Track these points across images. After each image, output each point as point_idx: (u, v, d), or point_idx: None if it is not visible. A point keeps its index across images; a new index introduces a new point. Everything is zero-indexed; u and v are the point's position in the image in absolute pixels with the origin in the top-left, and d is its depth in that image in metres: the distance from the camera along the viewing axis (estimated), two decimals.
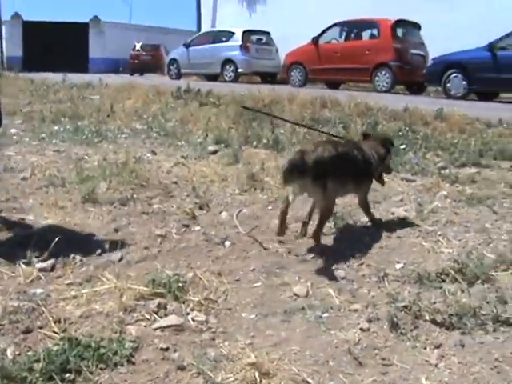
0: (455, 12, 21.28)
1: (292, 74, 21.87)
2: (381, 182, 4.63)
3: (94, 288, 3.21)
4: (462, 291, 3.14)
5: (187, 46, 26.32)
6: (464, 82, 16.64)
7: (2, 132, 6.63)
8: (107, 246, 3.80)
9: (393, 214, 4.57)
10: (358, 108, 10.35)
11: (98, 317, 2.89)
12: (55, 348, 2.49)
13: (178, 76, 26.13)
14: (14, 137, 7.61)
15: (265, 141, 7.17)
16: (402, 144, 7.20)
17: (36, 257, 3.58)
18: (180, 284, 3.20)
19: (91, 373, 2.40)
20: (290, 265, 3.59)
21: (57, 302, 3.07)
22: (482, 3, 21.05)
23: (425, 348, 2.67)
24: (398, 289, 3.25)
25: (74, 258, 3.65)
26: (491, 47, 16.25)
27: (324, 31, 21.34)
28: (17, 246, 3.79)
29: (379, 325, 2.85)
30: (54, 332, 2.71)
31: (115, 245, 3.83)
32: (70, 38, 39.71)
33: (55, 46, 38.06)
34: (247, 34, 24.47)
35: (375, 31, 20.40)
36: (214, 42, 25.23)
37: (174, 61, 27.01)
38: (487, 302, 2.98)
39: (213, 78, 25.07)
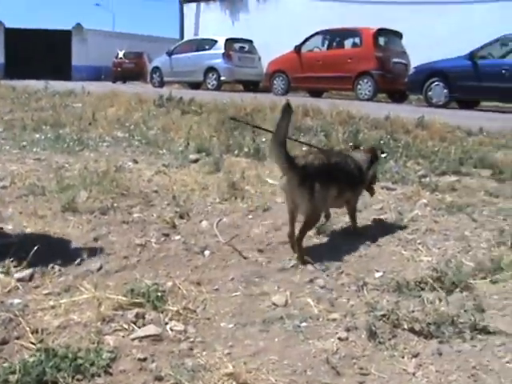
0: (436, 21, 21.49)
1: (274, 82, 21.97)
2: (371, 191, 4.67)
3: (72, 298, 3.18)
4: (440, 300, 3.14)
5: (170, 54, 26.38)
6: (445, 91, 16.81)
7: None
8: (86, 256, 3.78)
9: (373, 222, 4.59)
10: (339, 116, 10.39)
11: (75, 327, 2.87)
12: (31, 359, 2.47)
13: (161, 84, 26.15)
14: None
15: (246, 149, 7.18)
16: (383, 153, 7.22)
17: (14, 266, 3.55)
18: (159, 293, 3.18)
19: None
20: (270, 274, 3.59)
21: (34, 312, 3.04)
22: (462, 13, 21.28)
23: (403, 357, 2.67)
24: (376, 298, 3.26)
25: (52, 267, 3.62)
26: (472, 56, 16.43)
27: (306, 39, 21.47)
28: None
29: (357, 334, 2.85)
30: (31, 343, 2.68)
31: (94, 254, 3.82)
32: (53, 45, 39.63)
33: (38, 54, 37.98)
34: (230, 42, 24.57)
35: (357, 40, 20.55)
36: (196, 50, 25.29)
37: (156, 69, 27.05)
38: (465, 311, 2.99)
39: (196, 86, 25.10)
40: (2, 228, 4.31)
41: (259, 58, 25.31)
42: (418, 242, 4.14)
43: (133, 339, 2.77)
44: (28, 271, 3.52)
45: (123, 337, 2.80)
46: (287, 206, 4.02)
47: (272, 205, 4.88)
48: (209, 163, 6.37)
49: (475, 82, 16.19)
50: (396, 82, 19.01)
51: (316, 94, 21.21)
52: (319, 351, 2.69)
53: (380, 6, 23.74)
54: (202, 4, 32.12)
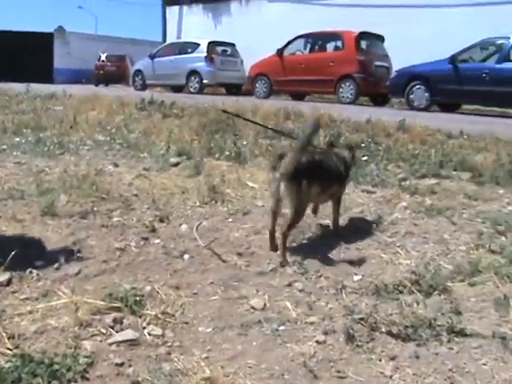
0: (417, 25, 21.57)
1: (257, 85, 21.97)
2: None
3: (50, 303, 3.17)
4: (418, 303, 3.17)
5: (152, 57, 26.32)
6: (427, 94, 16.89)
7: None
8: (65, 260, 3.76)
9: (353, 226, 4.60)
10: (321, 119, 10.39)
11: (53, 332, 2.85)
12: (7, 365, 2.45)
13: (143, 87, 26.09)
14: None
15: (227, 153, 7.17)
16: (363, 156, 7.26)
17: None
18: (137, 298, 3.17)
19: None
20: (248, 277, 3.59)
21: (11, 317, 3.02)
22: (442, 18, 21.37)
23: (380, 360, 2.68)
24: (355, 301, 3.27)
25: (30, 272, 3.60)
26: (453, 59, 16.53)
27: (289, 43, 21.50)
28: None
29: (335, 337, 2.86)
30: (8, 348, 2.66)
31: (73, 258, 3.80)
32: (35, 48, 39.33)
33: (19, 56, 37.72)
34: (212, 45, 24.55)
35: (339, 43, 20.60)
36: (179, 54, 25.24)
37: (138, 72, 26.97)
38: (442, 313, 3.01)
39: (178, 89, 25.03)
40: None
41: (242, 62, 25.29)
42: (398, 245, 4.17)
43: (110, 344, 2.76)
44: (6, 276, 3.49)
45: (101, 341, 2.79)
46: (272, 202, 4.07)
47: (252, 208, 4.89)
48: (189, 167, 6.36)
49: (456, 85, 16.28)
50: (378, 85, 19.05)
51: (298, 97, 21.23)
52: (297, 355, 2.70)
53: (362, 9, 23.80)
54: (185, 7, 32.07)
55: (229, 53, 25.56)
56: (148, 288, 3.39)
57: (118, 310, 3.07)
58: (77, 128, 9.38)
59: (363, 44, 20.44)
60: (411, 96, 17.28)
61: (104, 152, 7.56)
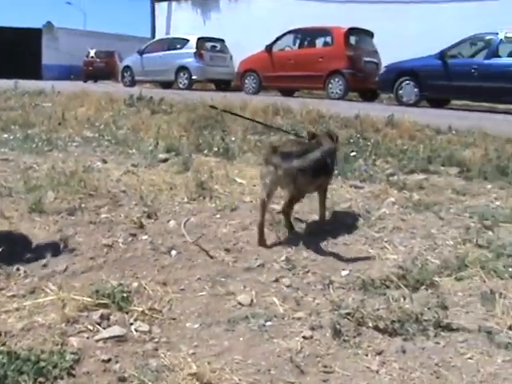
0: (406, 21, 21.58)
1: (246, 81, 21.93)
2: None
3: (37, 300, 3.17)
4: (405, 298, 3.17)
5: (141, 53, 26.18)
6: (416, 89, 16.89)
7: None
8: (52, 257, 3.76)
9: (340, 221, 4.60)
10: (309, 115, 10.41)
11: (39, 329, 2.85)
12: None
13: (132, 83, 25.97)
14: None
15: (215, 149, 7.16)
16: (352, 151, 7.26)
17: None
18: (124, 294, 3.18)
19: None
20: (236, 273, 3.60)
21: None
22: (432, 13, 21.40)
23: (366, 355, 2.70)
24: (342, 296, 3.28)
25: (18, 269, 3.60)
26: (442, 55, 16.54)
27: (278, 39, 21.44)
28: None
29: (322, 332, 2.87)
30: None
31: (61, 255, 3.81)
32: (23, 43, 39.03)
33: (7, 52, 37.39)
34: (201, 41, 24.46)
35: (328, 39, 20.57)
36: (168, 49, 25.13)
37: (127, 68, 26.85)
38: (429, 308, 3.02)
39: (167, 85, 24.97)
40: None
41: (231, 57, 25.23)
42: (385, 240, 4.18)
43: (97, 340, 2.77)
44: None
45: (87, 338, 2.79)
46: (264, 195, 4.13)
47: (240, 204, 4.88)
48: (178, 163, 6.35)
49: (445, 81, 16.30)
50: (367, 80, 19.05)
51: (287, 93, 21.20)
52: (283, 350, 2.71)
53: (351, 5, 23.78)
54: (174, 3, 31.95)
55: (218, 49, 25.49)
56: (135, 284, 3.40)
57: (105, 306, 3.08)
58: (65, 124, 9.35)
59: (352, 40, 20.44)
60: (400, 91, 17.28)
61: (92, 148, 7.54)
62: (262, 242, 4.04)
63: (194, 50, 23.91)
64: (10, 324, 2.92)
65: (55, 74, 35.30)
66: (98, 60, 36.56)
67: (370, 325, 2.91)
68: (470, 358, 2.64)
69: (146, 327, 2.91)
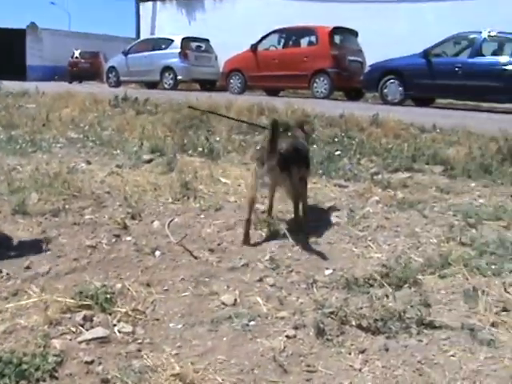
0: (391, 20, 21.66)
1: (231, 81, 21.93)
2: None
3: (19, 302, 3.16)
4: (388, 296, 3.18)
5: (126, 53, 26.13)
6: (400, 88, 16.95)
7: None
8: (36, 259, 3.75)
9: (324, 220, 4.61)
10: (294, 115, 10.39)
11: (22, 331, 2.84)
12: None
13: (117, 84, 25.90)
14: None
15: (200, 149, 7.16)
16: (337, 150, 7.28)
17: None
18: (108, 295, 3.17)
19: None
20: (219, 273, 3.59)
21: None
22: (417, 12, 21.50)
23: (350, 353, 2.70)
24: (326, 295, 3.28)
25: (0, 271, 3.59)
26: (426, 54, 16.60)
27: (262, 38, 21.44)
28: None
29: (305, 331, 2.87)
30: None
31: (44, 257, 3.79)
32: (6, 44, 38.86)
33: None
34: (186, 41, 24.44)
35: (313, 38, 20.60)
36: (153, 50, 25.10)
37: (112, 68, 26.78)
38: (412, 306, 3.03)
39: (152, 85, 24.94)
40: None
41: (216, 57, 25.21)
42: (369, 238, 4.18)
43: (80, 342, 2.76)
44: None
45: (70, 340, 2.78)
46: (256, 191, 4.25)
47: (224, 204, 4.88)
48: (162, 163, 6.34)
49: (429, 79, 16.36)
50: (352, 79, 19.10)
51: (273, 92, 21.20)
52: (267, 350, 2.71)
53: (336, 4, 23.85)
54: (159, 3, 31.90)
55: (203, 48, 25.48)
56: (119, 285, 3.39)
57: (89, 307, 3.07)
58: (49, 126, 9.32)
59: (337, 39, 20.48)
60: (385, 90, 17.33)
61: (77, 149, 7.51)
62: (247, 240, 4.05)
63: (179, 50, 23.89)
64: None
65: (40, 75, 35.14)
66: (82, 61, 36.42)
67: (354, 323, 2.91)
68: (452, 356, 2.65)
69: (129, 328, 2.90)
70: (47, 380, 2.44)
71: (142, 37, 30.44)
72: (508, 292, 3.24)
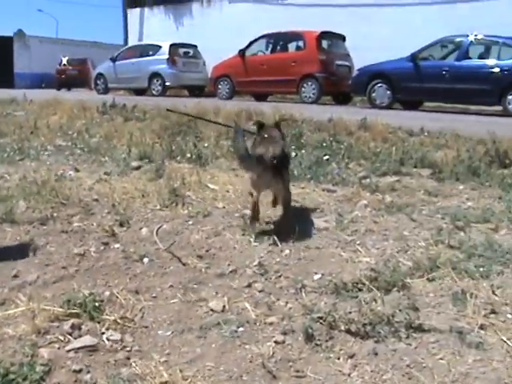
0: (379, 24, 21.76)
1: (219, 86, 21.98)
2: None
3: (7, 311, 3.13)
4: (376, 300, 3.18)
5: (114, 60, 26.15)
6: (388, 92, 17.05)
7: None
8: (23, 268, 3.73)
9: (313, 225, 4.60)
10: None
11: (9, 341, 2.82)
12: None
13: (106, 91, 25.91)
14: None
15: (188, 155, 7.15)
16: (325, 155, 7.29)
17: None
18: (96, 303, 3.15)
19: None
20: (208, 280, 3.58)
21: None
22: (404, 16, 21.60)
23: (338, 358, 2.69)
24: (314, 300, 3.27)
25: None
26: (413, 58, 16.70)
27: (250, 44, 21.50)
28: None
29: (294, 337, 2.86)
30: None
31: (32, 266, 3.77)
32: None
33: None
34: (174, 47, 24.50)
35: (301, 43, 20.70)
36: (140, 56, 25.14)
37: (100, 75, 26.80)
38: (400, 310, 3.03)
39: (141, 92, 24.96)
40: None
41: (204, 63, 25.25)
42: (358, 242, 4.18)
43: (68, 351, 2.74)
44: None
45: (58, 348, 2.76)
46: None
47: (213, 210, 4.87)
48: (150, 170, 6.33)
49: (417, 83, 16.47)
50: (340, 84, 19.19)
51: (261, 97, 21.26)
52: (255, 356, 2.70)
53: (323, 9, 23.92)
54: (146, 9, 31.95)
55: (191, 54, 25.52)
56: (107, 293, 3.37)
57: (77, 316, 3.05)
58: (37, 133, 9.31)
59: (324, 44, 20.58)
60: (373, 94, 17.42)
61: (65, 157, 7.49)
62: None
63: (167, 57, 23.94)
64: None
65: (28, 83, 35.12)
66: (70, 68, 36.42)
67: (342, 328, 2.91)
68: (441, 359, 2.65)
69: (117, 336, 2.89)
70: None
71: (130, 43, 30.53)
72: (496, 294, 3.26)
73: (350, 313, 3.05)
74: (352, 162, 7.03)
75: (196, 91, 24.84)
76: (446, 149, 8.00)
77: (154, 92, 24.02)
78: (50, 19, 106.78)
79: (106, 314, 3.09)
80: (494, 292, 3.28)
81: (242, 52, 21.53)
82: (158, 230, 4.42)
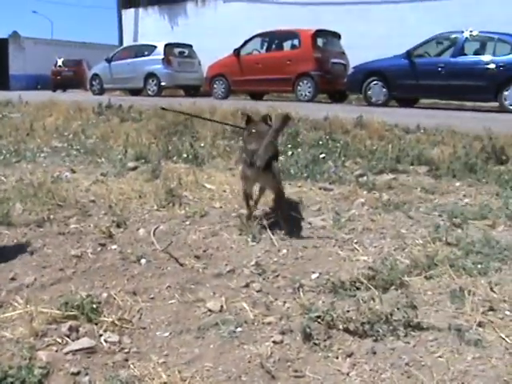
0: (374, 22, 21.77)
1: (215, 86, 21.97)
2: None
3: (4, 314, 3.12)
4: (374, 299, 3.18)
5: (109, 60, 26.12)
6: (384, 89, 17.05)
7: None
8: (21, 270, 3.72)
9: (310, 224, 4.60)
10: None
11: (7, 344, 2.81)
12: None
13: (101, 91, 25.89)
14: None
15: (185, 155, 7.15)
16: (321, 153, 7.29)
17: None
18: (94, 305, 3.13)
19: None
20: (206, 280, 3.57)
21: None
22: (399, 13, 21.62)
23: (337, 357, 2.69)
24: (312, 299, 3.26)
25: None
26: (409, 55, 16.71)
27: (245, 43, 21.49)
28: None
29: (292, 336, 2.86)
30: None
31: (29, 268, 3.76)
32: None
33: None
34: (169, 47, 24.49)
35: (296, 41, 20.70)
36: (136, 56, 25.14)
37: (96, 76, 26.76)
38: (398, 308, 3.02)
39: (136, 92, 24.95)
40: None
41: (199, 63, 25.25)
42: (355, 241, 4.17)
43: (66, 353, 2.73)
44: None
45: (56, 351, 2.75)
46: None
47: (210, 210, 4.87)
48: (147, 170, 6.32)
49: (413, 80, 16.47)
50: (335, 82, 19.18)
51: (257, 96, 21.28)
52: (254, 356, 2.69)
53: (318, 7, 23.93)
54: (141, 10, 31.92)
55: (186, 54, 25.51)
56: (105, 295, 3.36)
57: (75, 318, 3.04)
58: (33, 135, 9.29)
59: (320, 42, 20.58)
60: (369, 92, 17.42)
61: (61, 158, 7.48)
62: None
63: (162, 57, 23.92)
64: None
65: (23, 84, 35.10)
66: (66, 69, 36.42)
67: (341, 327, 2.90)
68: (440, 357, 2.65)
69: (115, 338, 2.88)
70: None
71: (125, 44, 30.50)
72: (494, 291, 3.25)
73: (348, 312, 3.04)
74: (348, 161, 7.03)
75: (191, 91, 24.83)
76: (442, 146, 8.00)
77: (149, 92, 24.01)
78: (45, 21, 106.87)
79: (104, 316, 3.08)
80: (492, 289, 3.27)
81: (237, 51, 21.52)
82: (155, 231, 4.41)
